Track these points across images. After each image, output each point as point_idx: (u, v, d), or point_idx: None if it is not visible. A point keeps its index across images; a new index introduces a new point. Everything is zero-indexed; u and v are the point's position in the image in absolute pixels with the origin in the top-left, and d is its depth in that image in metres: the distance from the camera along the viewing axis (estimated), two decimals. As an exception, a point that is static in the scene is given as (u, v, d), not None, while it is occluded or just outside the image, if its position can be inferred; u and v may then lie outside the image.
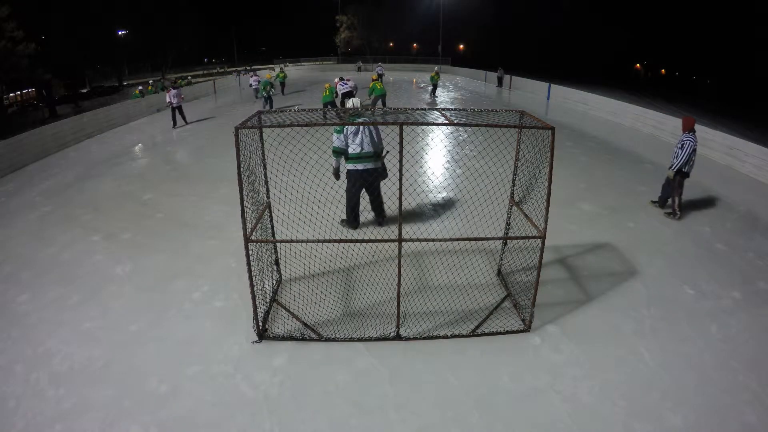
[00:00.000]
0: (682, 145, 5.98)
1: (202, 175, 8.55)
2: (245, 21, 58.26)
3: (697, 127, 10.67)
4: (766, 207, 6.93)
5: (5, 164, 9.29)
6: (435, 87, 19.32)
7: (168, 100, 13.83)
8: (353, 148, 5.32)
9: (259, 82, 19.32)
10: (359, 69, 38.55)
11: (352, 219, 5.71)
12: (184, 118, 14.08)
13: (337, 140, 5.36)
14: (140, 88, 22.60)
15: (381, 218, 5.83)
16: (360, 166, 5.37)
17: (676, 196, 6.20)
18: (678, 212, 6.23)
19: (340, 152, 5.39)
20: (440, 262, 4.78)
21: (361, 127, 5.27)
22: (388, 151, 5.47)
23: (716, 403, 3.18)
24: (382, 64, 28.90)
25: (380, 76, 25.17)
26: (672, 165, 6.04)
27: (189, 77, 35.05)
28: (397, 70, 37.14)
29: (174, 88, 14.16)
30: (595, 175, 8.40)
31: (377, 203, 5.73)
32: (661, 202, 6.51)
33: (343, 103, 13.94)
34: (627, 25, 43.49)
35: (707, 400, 3.20)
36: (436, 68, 22.75)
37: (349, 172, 5.48)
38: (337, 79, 17.09)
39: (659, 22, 41.69)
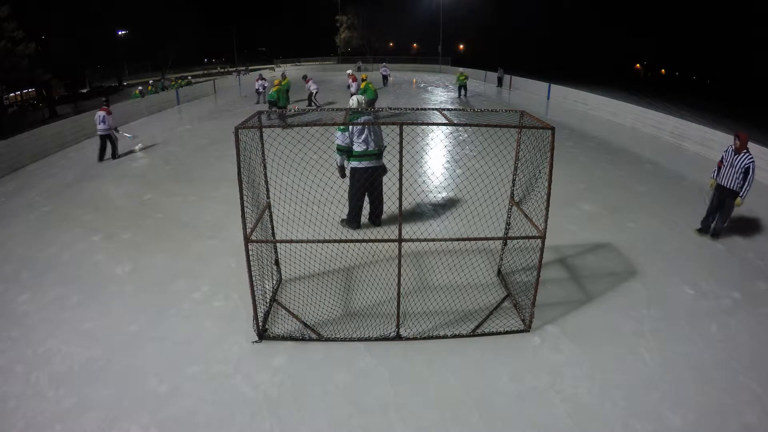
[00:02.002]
0: (747, 168, 5.25)
1: (202, 175, 8.54)
2: (245, 21, 58.22)
3: (696, 127, 10.82)
4: (766, 207, 6.93)
5: (5, 164, 9.29)
6: (462, 87, 19.41)
7: (98, 123, 9.78)
8: (358, 146, 5.35)
9: (264, 87, 19.04)
10: (359, 69, 38.48)
11: (354, 219, 5.71)
12: (115, 149, 10.06)
13: (340, 138, 5.36)
14: (140, 88, 22.58)
15: (378, 220, 5.83)
16: (365, 164, 5.40)
17: (727, 220, 5.64)
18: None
19: (344, 150, 5.41)
20: (440, 262, 4.78)
21: (366, 125, 5.29)
22: (386, 145, 5.51)
23: (716, 403, 3.18)
24: (388, 64, 27.36)
25: (385, 77, 24.68)
26: (742, 193, 5.29)
27: (189, 77, 35.01)
28: (397, 70, 37.12)
29: (106, 104, 10.26)
30: (595, 175, 8.40)
31: (378, 202, 5.72)
32: (716, 232, 5.67)
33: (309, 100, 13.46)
34: (627, 25, 43.50)
35: (707, 400, 3.20)
36: (461, 70, 22.13)
37: (354, 169, 5.49)
38: (350, 71, 16.63)
39: (659, 22, 41.70)
